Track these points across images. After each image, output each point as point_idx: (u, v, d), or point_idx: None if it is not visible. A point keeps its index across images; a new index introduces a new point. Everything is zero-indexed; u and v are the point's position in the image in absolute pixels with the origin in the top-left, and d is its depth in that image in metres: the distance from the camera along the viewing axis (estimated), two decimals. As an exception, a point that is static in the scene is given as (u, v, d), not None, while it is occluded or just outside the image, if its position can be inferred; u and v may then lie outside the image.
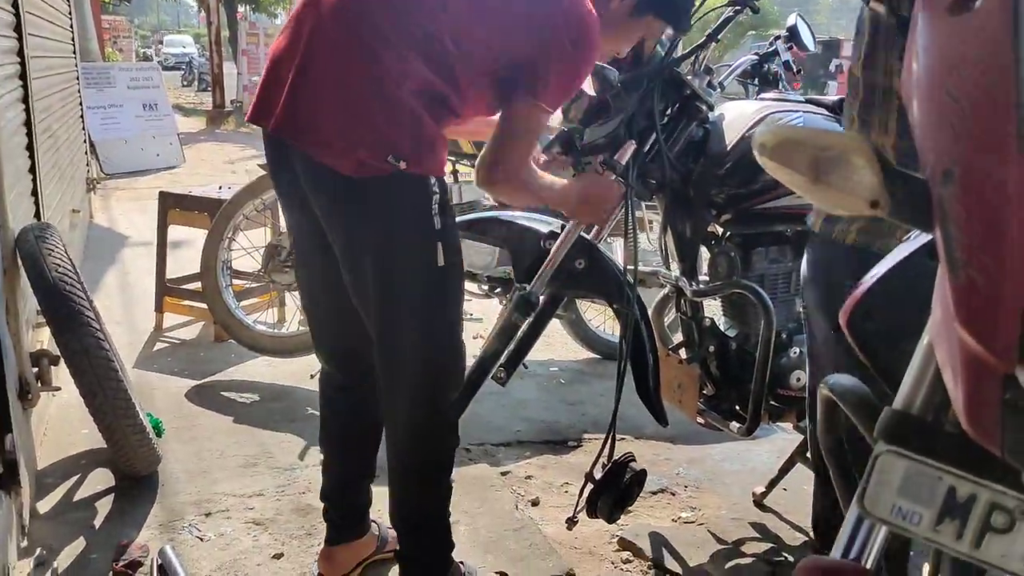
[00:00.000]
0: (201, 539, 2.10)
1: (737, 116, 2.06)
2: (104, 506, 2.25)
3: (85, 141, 5.82)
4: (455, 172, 3.44)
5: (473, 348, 3.67)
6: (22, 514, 2.06)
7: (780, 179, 0.77)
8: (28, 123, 2.91)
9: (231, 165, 8.66)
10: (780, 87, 2.24)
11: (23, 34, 2.91)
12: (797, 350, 2.04)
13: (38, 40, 3.46)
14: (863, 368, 1.05)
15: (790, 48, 2.25)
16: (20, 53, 2.88)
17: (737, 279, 2.02)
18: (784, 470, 2.36)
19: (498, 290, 3.36)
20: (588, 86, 1.91)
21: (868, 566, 0.77)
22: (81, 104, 5.63)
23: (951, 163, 0.63)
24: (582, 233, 2.05)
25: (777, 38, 2.26)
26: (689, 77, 2.00)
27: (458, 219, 2.16)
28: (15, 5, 2.84)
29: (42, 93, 3.42)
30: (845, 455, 1.10)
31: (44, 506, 2.24)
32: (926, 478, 0.69)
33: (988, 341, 0.60)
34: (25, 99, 2.90)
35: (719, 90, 2.09)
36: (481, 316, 4.08)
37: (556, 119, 2.13)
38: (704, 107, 2.03)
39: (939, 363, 0.71)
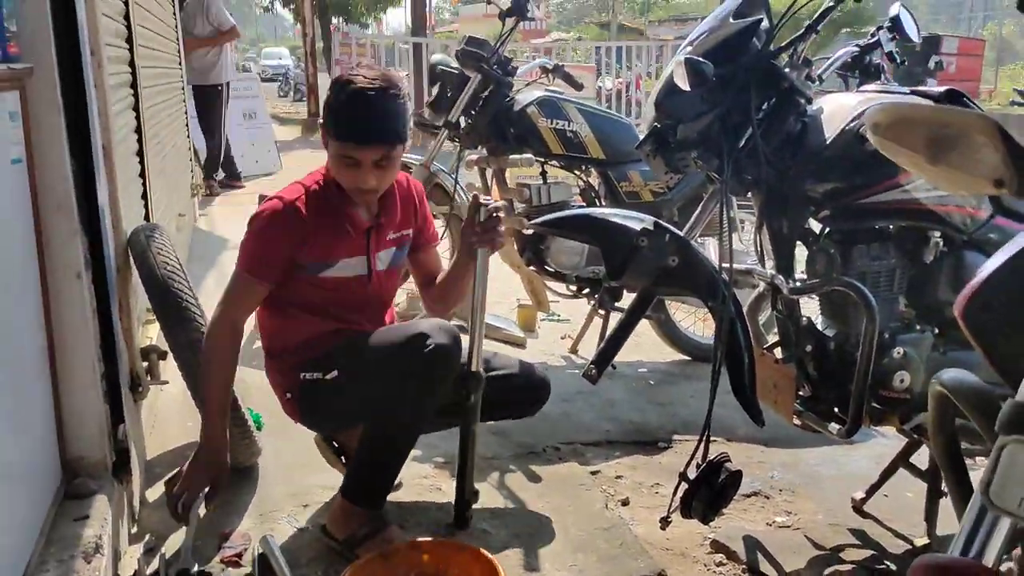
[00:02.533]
0: (299, 530, 2.16)
1: (837, 109, 2.00)
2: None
3: (190, 149, 6.06)
4: (543, 173, 3.44)
5: (560, 348, 3.69)
6: (132, 502, 2.16)
7: (895, 159, 0.75)
8: (139, 130, 3.05)
9: (324, 171, 8.87)
10: (882, 79, 2.17)
11: (134, 45, 3.05)
12: (901, 350, 1.97)
13: (147, 51, 3.62)
14: None
15: (893, 39, 2.18)
16: (131, 64, 3.03)
17: (838, 276, 1.96)
18: (886, 475, 2.28)
19: (586, 291, 3.36)
20: (682, 80, 1.88)
21: (990, 564, 0.73)
22: (187, 113, 5.87)
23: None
24: (674, 229, 2.03)
25: (879, 28, 2.19)
26: (787, 70, 1.96)
27: (548, 217, 2.18)
28: (127, 18, 2.99)
29: (150, 101, 3.58)
30: (959, 453, 1.06)
31: (152, 494, 2.33)
32: (1055, 467, 0.66)
33: None
34: (136, 107, 3.04)
35: (818, 83, 2.04)
36: (568, 317, 4.08)
37: (647, 117, 2.12)
38: (802, 100, 1.99)
39: (1065, 351, 0.67)
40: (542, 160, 3.37)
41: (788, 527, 2.25)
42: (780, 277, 2.04)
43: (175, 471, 2.05)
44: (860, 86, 2.16)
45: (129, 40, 3.01)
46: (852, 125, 1.95)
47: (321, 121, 2.03)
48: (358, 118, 1.96)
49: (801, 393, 2.11)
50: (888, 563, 2.08)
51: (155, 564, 1.94)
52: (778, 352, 2.16)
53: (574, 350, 3.62)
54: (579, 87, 3.55)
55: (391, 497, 2.26)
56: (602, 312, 3.30)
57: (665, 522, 2.00)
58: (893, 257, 2.03)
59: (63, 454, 1.93)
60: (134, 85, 3.04)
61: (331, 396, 2.07)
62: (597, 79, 12.08)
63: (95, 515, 1.82)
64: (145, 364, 2.37)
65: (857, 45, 2.20)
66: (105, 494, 1.90)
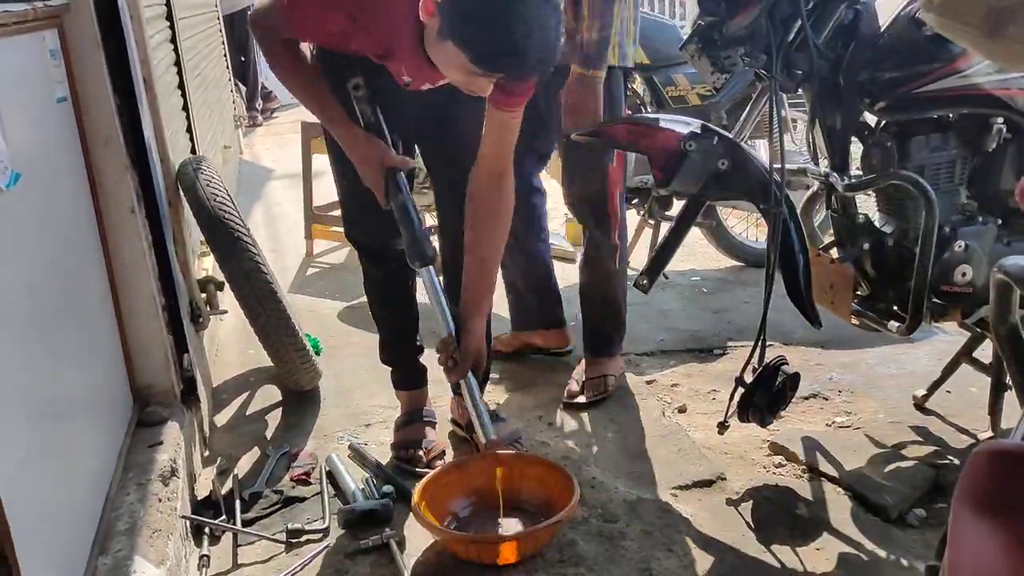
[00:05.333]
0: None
1: (892, -6, 1.91)
2: (273, 419, 2.41)
3: (230, 80, 6.06)
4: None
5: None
6: (203, 426, 2.24)
7: (950, 36, 0.71)
8: (178, 63, 3.04)
9: (365, 95, 8.82)
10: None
11: (165, -24, 3.02)
12: (962, 243, 1.91)
13: (179, -18, 3.58)
14: None
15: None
16: (164, -5, 3.00)
17: (895, 170, 1.89)
18: (948, 371, 2.25)
19: (635, 201, 3.32)
20: None
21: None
22: (224, 44, 5.84)
23: None
24: (722, 131, 1.98)
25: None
26: (837, -45, 1.86)
27: (592, 127, 2.13)
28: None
29: (187, 33, 3.57)
30: (1021, 342, 1.03)
31: (221, 419, 2.42)
32: None
33: None
34: (173, 40, 3.03)
35: (871, -33, 1.93)
36: (619, 229, 4.04)
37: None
38: (854, -14, 1.89)
39: None
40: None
41: (848, 427, 2.25)
42: (834, 174, 1.98)
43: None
44: (916, -33, 2.04)
45: (160, -31, 2.98)
46: (908, 10, 1.86)
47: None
48: (516, 50, 1.48)
49: (859, 292, 2.08)
50: (951, 458, 2.06)
51: (228, 484, 2.02)
52: (834, 252, 2.11)
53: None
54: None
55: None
56: (652, 222, 3.27)
57: (722, 427, 2.01)
58: (953, 147, 1.95)
59: (133, 384, 2.00)
60: (170, 17, 3.02)
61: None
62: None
63: (168, 441, 1.89)
64: (203, 295, 2.42)
65: (912, -77, 2.07)
66: (176, 421, 1.97)
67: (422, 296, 2.27)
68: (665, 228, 2.98)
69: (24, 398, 1.34)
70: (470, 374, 1.87)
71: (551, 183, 3.66)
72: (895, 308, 2.03)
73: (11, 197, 1.35)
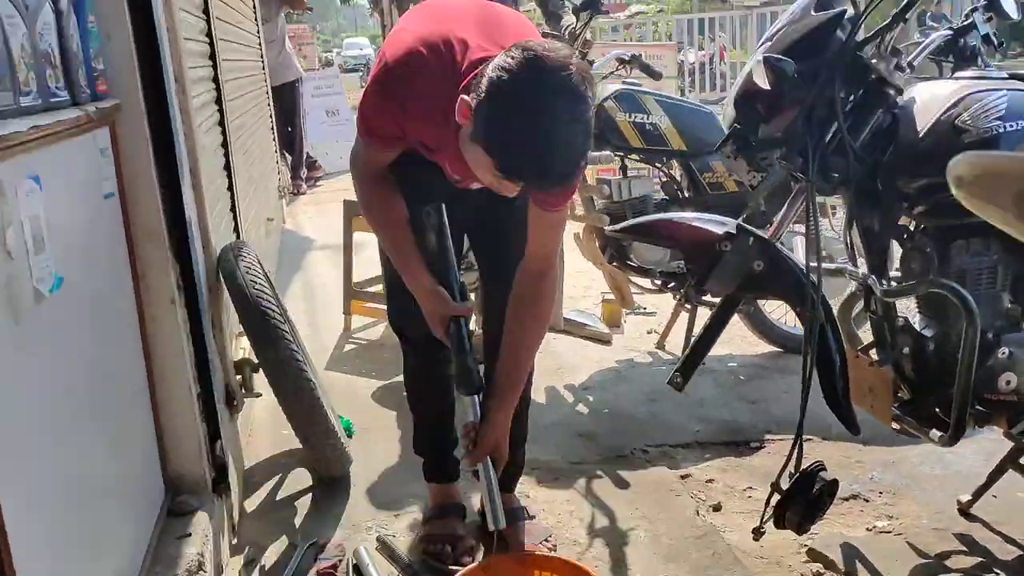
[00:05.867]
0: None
1: (930, 98, 1.90)
2: (303, 505, 2.39)
3: (275, 151, 6.20)
4: (623, 168, 3.39)
5: (646, 343, 3.64)
6: (232, 514, 2.24)
7: (980, 213, 0.70)
8: (224, 144, 3.12)
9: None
10: (979, 63, 2.04)
11: (217, 61, 3.12)
12: (1006, 351, 1.87)
13: (230, 63, 3.70)
14: None
15: (989, 19, 2.04)
16: (215, 80, 3.10)
17: (934, 277, 1.87)
18: (994, 476, 2.18)
19: (671, 285, 3.31)
20: (762, 79, 1.82)
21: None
22: (271, 116, 6.00)
23: None
24: (760, 232, 1.97)
25: (974, 9, 2.06)
26: (874, 61, 1.87)
27: (628, 223, 2.15)
28: (209, 35, 3.06)
29: (236, 112, 3.67)
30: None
31: (251, 504, 2.41)
32: None
33: None
34: (221, 122, 3.11)
35: (909, 71, 1.93)
36: (655, 310, 4.03)
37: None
38: (892, 91, 1.89)
39: None
40: (620, 155, 3.32)
41: (889, 532, 2.18)
42: (873, 277, 1.96)
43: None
44: (955, 71, 2.04)
45: (212, 56, 3.08)
46: (947, 115, 1.85)
47: (471, 103, 1.52)
48: (538, 164, 1.49)
49: (899, 396, 2.03)
50: (997, 571, 1.98)
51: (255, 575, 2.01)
52: (873, 353, 2.07)
53: (661, 345, 3.57)
54: (658, 76, 3.47)
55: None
56: (688, 307, 3.25)
57: (758, 532, 1.96)
58: (995, 252, 1.92)
59: (165, 473, 2.01)
60: (219, 100, 3.11)
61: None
62: (679, 53, 11.80)
63: (197, 532, 1.89)
64: (239, 377, 2.44)
65: (950, 28, 2.07)
66: (206, 511, 1.97)
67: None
68: (701, 313, 2.96)
69: (58, 490, 1.35)
70: (488, 461, 1.85)
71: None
72: (937, 412, 1.98)
73: (53, 301, 1.39)
